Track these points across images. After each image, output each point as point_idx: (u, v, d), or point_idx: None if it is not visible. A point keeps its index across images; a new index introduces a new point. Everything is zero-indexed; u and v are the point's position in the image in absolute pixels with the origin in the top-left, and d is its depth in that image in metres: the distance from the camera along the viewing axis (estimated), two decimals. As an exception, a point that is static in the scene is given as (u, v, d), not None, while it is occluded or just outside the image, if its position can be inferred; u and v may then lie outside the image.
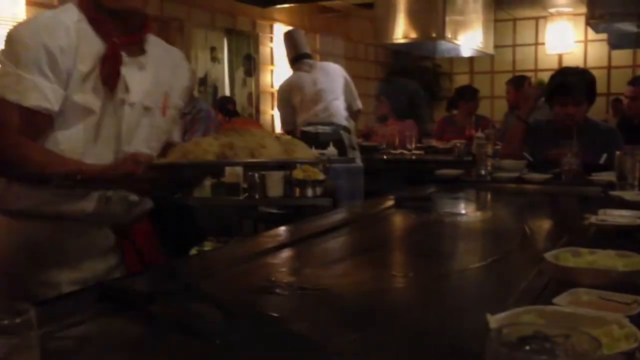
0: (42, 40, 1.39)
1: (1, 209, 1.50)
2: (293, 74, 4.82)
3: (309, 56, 4.87)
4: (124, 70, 1.49)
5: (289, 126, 4.88)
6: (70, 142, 1.45)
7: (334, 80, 4.70)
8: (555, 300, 0.96)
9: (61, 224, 1.48)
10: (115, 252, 1.59)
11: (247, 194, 3.41)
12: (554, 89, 3.22)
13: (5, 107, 1.39)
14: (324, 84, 4.63)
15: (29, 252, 1.48)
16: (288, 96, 4.74)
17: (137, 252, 1.59)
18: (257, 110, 7.99)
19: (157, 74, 1.59)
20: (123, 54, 1.49)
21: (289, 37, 4.90)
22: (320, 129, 4.50)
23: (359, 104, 4.95)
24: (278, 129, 6.69)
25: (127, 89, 1.50)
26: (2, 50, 1.44)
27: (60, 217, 1.47)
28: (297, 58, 4.77)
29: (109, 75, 1.46)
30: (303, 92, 4.65)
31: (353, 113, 4.93)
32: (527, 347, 0.45)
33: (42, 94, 1.38)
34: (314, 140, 4.31)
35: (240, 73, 7.70)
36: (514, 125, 3.48)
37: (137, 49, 1.55)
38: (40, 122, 1.41)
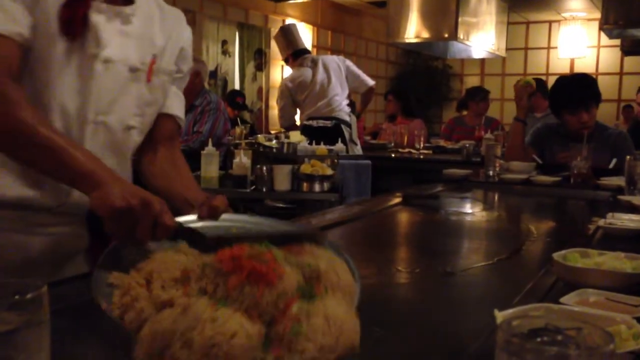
0: None
1: None
2: (295, 70, 4.84)
3: (308, 51, 4.90)
4: (97, 19, 1.20)
5: (289, 122, 4.95)
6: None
7: (335, 75, 4.75)
8: (563, 299, 0.96)
9: (25, 216, 1.22)
10: (87, 258, 1.33)
11: (254, 187, 3.41)
12: (562, 101, 3.20)
13: None
14: (326, 80, 4.69)
15: None
16: (293, 93, 4.79)
17: None
18: (267, 105, 8.01)
19: (144, 31, 1.30)
20: None
21: (286, 33, 4.87)
22: (322, 122, 4.60)
23: (368, 82, 4.98)
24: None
25: (99, 42, 1.20)
26: None
27: (23, 205, 1.20)
28: (297, 54, 4.78)
29: (68, 21, 1.16)
30: (307, 89, 4.70)
31: (365, 93, 5.00)
32: (539, 339, 0.45)
33: (9, 14, 1.10)
34: (315, 133, 4.36)
35: (250, 67, 7.72)
36: (512, 126, 3.50)
37: None
38: (13, 54, 1.12)
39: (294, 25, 5.20)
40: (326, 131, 4.53)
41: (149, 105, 1.33)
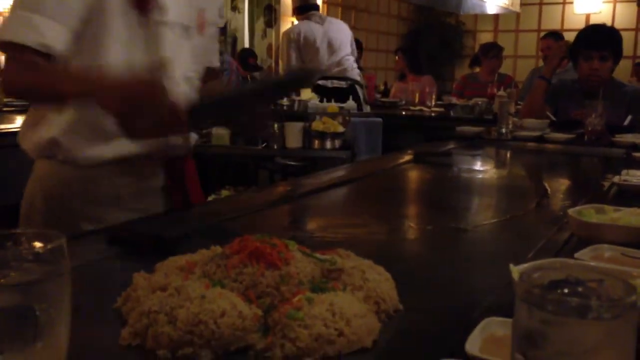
0: None
1: (64, 159, 1.39)
2: (302, 22, 4.73)
3: (317, 7, 4.77)
4: None
5: None
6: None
7: (345, 35, 4.67)
8: (577, 255, 0.96)
9: (118, 165, 1.41)
10: (164, 193, 1.53)
11: (265, 144, 3.41)
12: (579, 42, 3.19)
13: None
14: (336, 39, 4.60)
15: (84, 190, 1.41)
16: (298, 44, 4.67)
17: (184, 193, 1.52)
18: (277, 63, 7.93)
19: None
20: None
21: None
22: (336, 83, 4.51)
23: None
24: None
25: (163, 10, 1.35)
26: None
27: (117, 161, 1.40)
28: (306, 8, 4.67)
29: None
30: (315, 44, 4.60)
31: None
32: (559, 290, 0.45)
33: (38, 31, 1.22)
34: (328, 94, 4.30)
35: (260, 24, 7.63)
36: (535, 83, 3.45)
37: None
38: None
39: None
40: (340, 91, 4.45)
41: (205, 55, 1.52)
